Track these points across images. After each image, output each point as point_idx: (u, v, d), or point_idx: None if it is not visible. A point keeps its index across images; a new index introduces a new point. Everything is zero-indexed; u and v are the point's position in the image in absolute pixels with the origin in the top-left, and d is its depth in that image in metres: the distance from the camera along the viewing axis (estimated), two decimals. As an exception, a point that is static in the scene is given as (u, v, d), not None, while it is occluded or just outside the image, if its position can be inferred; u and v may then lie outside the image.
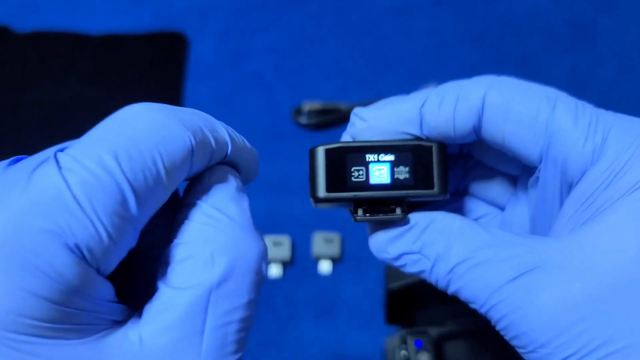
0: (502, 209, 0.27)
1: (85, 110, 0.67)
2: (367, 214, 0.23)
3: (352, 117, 0.24)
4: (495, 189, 0.27)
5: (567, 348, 0.19)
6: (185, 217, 0.19)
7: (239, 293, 0.18)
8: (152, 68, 0.69)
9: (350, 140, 0.25)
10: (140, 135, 0.17)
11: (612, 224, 0.20)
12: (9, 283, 0.15)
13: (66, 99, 0.67)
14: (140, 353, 0.17)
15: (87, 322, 0.16)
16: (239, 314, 0.18)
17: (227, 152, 0.20)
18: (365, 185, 0.23)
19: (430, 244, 0.23)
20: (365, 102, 0.63)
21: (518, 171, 0.26)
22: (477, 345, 0.44)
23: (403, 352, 0.44)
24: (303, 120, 0.65)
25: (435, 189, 0.23)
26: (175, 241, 0.18)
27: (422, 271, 0.23)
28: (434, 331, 0.45)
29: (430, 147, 0.23)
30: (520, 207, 0.26)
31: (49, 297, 0.15)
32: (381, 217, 0.23)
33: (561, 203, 0.22)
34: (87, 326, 0.16)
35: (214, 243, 0.18)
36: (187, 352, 0.17)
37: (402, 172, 0.23)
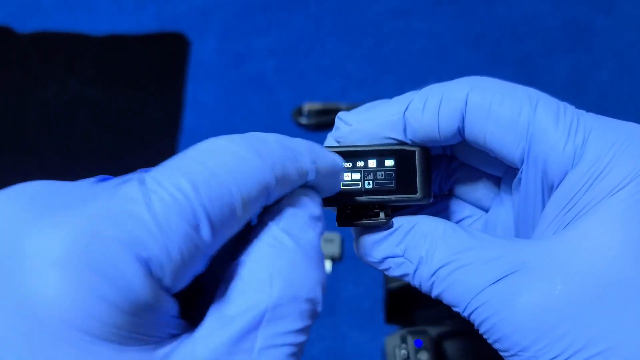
0: (486, 210, 0.27)
1: (86, 110, 0.67)
2: (351, 219, 0.24)
3: (337, 121, 0.25)
4: (479, 190, 0.27)
5: (549, 351, 0.20)
6: (254, 237, 0.19)
7: (292, 318, 0.18)
8: (153, 69, 0.70)
9: (335, 144, 0.25)
10: (220, 166, 0.18)
11: (593, 227, 0.20)
12: (80, 285, 0.15)
13: (67, 99, 0.68)
14: None
15: (147, 333, 0.17)
16: (290, 339, 0.18)
17: (308, 180, 0.20)
18: (349, 190, 0.23)
19: (414, 247, 0.23)
20: (365, 102, 0.63)
21: (501, 173, 0.26)
22: (476, 345, 0.44)
23: (403, 352, 0.44)
24: (303, 120, 0.65)
25: (418, 194, 0.23)
26: (239, 259, 0.19)
27: (406, 274, 0.23)
28: (433, 330, 0.45)
29: (414, 152, 0.23)
30: (504, 209, 0.26)
31: (116, 303, 0.15)
32: (365, 221, 0.23)
33: (543, 205, 0.22)
34: (146, 336, 0.17)
35: (275, 266, 0.18)
36: None
37: (385, 177, 0.23)
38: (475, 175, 0.27)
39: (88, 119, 0.67)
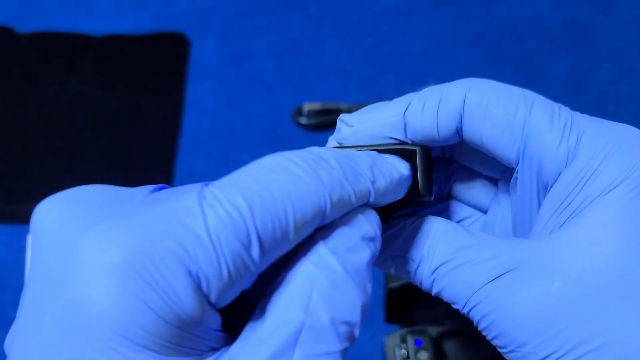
0: (484, 211, 0.27)
1: (86, 110, 0.67)
2: None
3: (338, 124, 0.25)
4: (478, 192, 0.27)
5: (547, 347, 0.20)
6: (301, 254, 0.19)
7: (329, 340, 0.18)
8: (153, 69, 0.70)
9: (337, 145, 0.25)
10: (277, 186, 0.18)
11: (588, 225, 0.20)
12: (129, 293, 0.15)
13: (68, 99, 0.68)
14: None
15: (190, 346, 0.17)
16: None
17: (368, 201, 0.20)
18: None
19: (416, 246, 0.23)
20: (365, 103, 0.64)
21: (499, 174, 0.26)
22: (476, 344, 0.44)
23: (402, 351, 0.44)
24: (303, 120, 0.65)
25: (420, 192, 0.23)
26: (282, 275, 0.19)
27: (407, 272, 0.23)
28: (433, 330, 0.45)
29: (414, 151, 0.23)
30: (502, 210, 0.26)
31: (163, 315, 0.16)
32: None
33: (539, 204, 0.23)
34: (188, 349, 0.17)
35: (316, 286, 0.18)
36: None
37: None
38: (473, 176, 0.27)
39: (88, 119, 0.67)
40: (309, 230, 0.18)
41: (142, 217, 0.16)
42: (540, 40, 0.70)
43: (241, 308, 0.20)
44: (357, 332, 0.19)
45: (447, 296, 0.22)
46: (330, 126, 0.64)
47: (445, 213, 0.28)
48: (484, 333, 0.22)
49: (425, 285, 0.23)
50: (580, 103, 0.68)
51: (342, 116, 0.25)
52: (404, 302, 0.48)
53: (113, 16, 0.72)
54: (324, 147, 0.20)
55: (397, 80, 0.68)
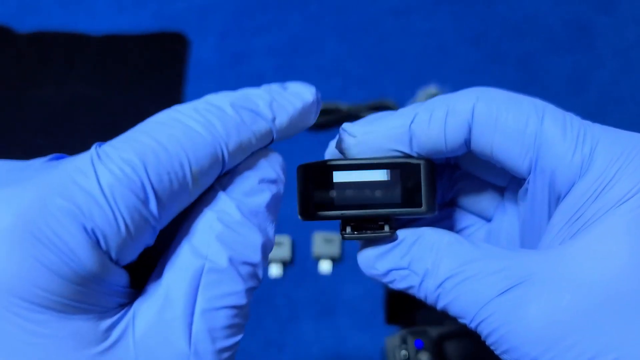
0: (488, 219, 0.27)
1: (85, 110, 0.67)
2: (355, 232, 0.23)
3: (341, 133, 0.24)
4: (483, 200, 0.27)
5: None
6: (202, 203, 0.19)
7: (232, 280, 0.18)
8: (152, 68, 0.69)
9: (338, 154, 0.25)
10: (170, 140, 0.18)
11: (600, 236, 0.20)
12: (24, 253, 0.16)
13: (66, 99, 0.68)
14: (133, 333, 0.18)
15: (93, 302, 0.17)
16: (231, 301, 0.18)
17: (270, 141, 0.21)
18: (353, 204, 0.23)
19: (419, 260, 0.23)
20: (365, 102, 0.63)
21: (505, 182, 0.26)
22: (477, 345, 0.44)
23: (403, 352, 0.44)
24: (303, 120, 0.65)
25: (424, 207, 0.23)
26: (185, 225, 0.19)
27: (411, 287, 0.23)
28: (434, 331, 0.45)
29: (419, 165, 0.23)
30: (508, 219, 0.26)
31: (60, 272, 0.16)
32: (369, 234, 0.23)
33: (549, 215, 0.22)
34: (92, 306, 0.17)
35: (214, 231, 0.18)
36: (178, 332, 0.18)
37: (390, 190, 0.23)
38: (478, 184, 0.27)
39: (86, 118, 0.67)
40: (210, 179, 0.19)
41: (34, 181, 0.17)
42: (541, 39, 0.70)
43: (151, 261, 0.20)
44: (260, 272, 0.19)
45: (453, 311, 0.22)
46: (330, 126, 0.64)
47: (448, 220, 0.27)
48: (492, 348, 0.21)
49: (430, 299, 0.23)
50: (581, 102, 0.68)
51: (344, 125, 0.24)
52: (405, 303, 0.48)
53: (112, 15, 0.72)
54: (219, 93, 0.20)
55: (397, 79, 0.67)
